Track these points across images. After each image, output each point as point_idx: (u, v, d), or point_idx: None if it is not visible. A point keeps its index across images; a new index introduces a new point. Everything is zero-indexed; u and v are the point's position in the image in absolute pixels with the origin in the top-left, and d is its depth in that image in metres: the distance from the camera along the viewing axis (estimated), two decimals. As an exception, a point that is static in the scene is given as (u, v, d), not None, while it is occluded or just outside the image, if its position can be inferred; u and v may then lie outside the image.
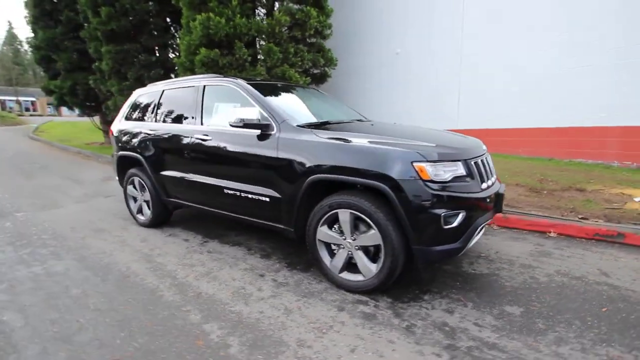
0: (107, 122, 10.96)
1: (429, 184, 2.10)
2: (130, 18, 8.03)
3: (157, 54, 8.51)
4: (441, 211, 2.10)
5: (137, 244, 3.47)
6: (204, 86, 3.27)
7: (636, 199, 4.22)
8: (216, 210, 3.24)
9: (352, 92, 9.23)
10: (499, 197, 2.50)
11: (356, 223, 2.35)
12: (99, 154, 9.32)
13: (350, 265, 2.46)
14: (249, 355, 1.83)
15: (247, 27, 6.79)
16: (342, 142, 2.37)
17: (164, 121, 3.59)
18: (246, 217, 2.98)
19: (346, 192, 2.38)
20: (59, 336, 2.04)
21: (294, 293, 2.47)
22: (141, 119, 3.89)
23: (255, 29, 6.94)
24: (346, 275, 2.46)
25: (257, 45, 7.54)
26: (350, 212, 2.31)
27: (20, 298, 2.47)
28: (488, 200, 2.35)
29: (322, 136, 2.47)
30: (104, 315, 2.24)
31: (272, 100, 2.86)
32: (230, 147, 2.91)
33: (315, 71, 8.34)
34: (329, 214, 2.41)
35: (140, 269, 2.91)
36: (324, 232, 2.48)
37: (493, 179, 2.59)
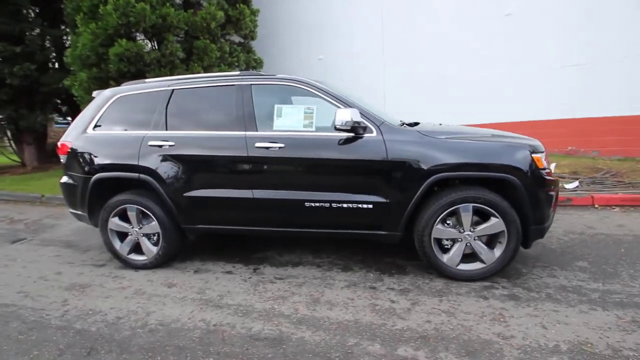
0: None
1: (543, 171, 2.45)
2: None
3: (26, 44, 6.27)
4: (552, 193, 2.49)
5: (168, 292, 2.64)
6: (251, 85, 2.75)
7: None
8: (281, 229, 2.79)
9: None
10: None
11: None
12: None
13: (463, 256, 2.59)
14: (479, 363, 1.77)
15: (176, 18, 5.84)
16: (463, 141, 2.49)
17: (187, 128, 2.82)
18: (332, 230, 2.71)
19: (462, 188, 2.49)
20: None
21: (427, 295, 2.42)
22: (135, 127, 2.93)
23: (184, 21, 6.04)
24: (463, 267, 2.57)
25: (165, 41, 6.49)
26: (474, 205, 2.44)
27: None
28: (553, 182, 2.89)
29: (433, 136, 2.52)
30: (265, 382, 1.70)
31: (355, 100, 2.68)
32: (316, 154, 2.59)
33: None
34: (447, 211, 2.48)
35: (222, 317, 2.26)
36: (439, 230, 2.53)
37: None
